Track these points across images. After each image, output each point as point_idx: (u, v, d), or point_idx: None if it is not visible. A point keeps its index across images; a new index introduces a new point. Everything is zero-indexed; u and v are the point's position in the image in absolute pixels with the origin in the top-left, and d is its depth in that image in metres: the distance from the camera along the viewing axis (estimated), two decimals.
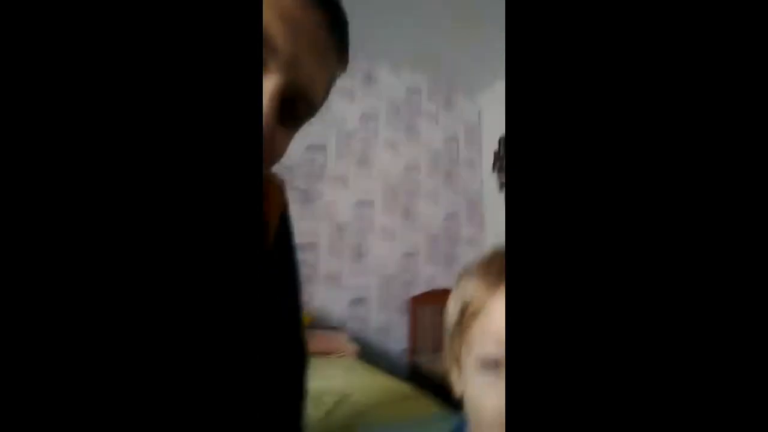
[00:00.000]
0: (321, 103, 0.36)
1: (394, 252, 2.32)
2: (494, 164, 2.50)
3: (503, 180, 2.41)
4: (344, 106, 2.32)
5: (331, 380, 1.18)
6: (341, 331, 2.00)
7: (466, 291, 0.36)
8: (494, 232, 2.46)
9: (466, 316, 0.35)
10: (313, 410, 0.87)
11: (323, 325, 1.96)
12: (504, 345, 0.32)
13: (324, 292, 2.11)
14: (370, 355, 1.95)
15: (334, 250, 2.19)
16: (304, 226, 2.04)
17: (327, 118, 2.23)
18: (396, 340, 2.23)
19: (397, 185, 2.39)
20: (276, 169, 0.62)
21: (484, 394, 0.34)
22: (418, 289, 2.26)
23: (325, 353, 1.63)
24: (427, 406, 1.00)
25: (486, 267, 0.36)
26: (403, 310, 2.27)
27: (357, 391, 1.11)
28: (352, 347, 1.81)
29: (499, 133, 2.47)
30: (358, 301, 2.20)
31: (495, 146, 2.50)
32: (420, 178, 2.45)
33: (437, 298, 2.14)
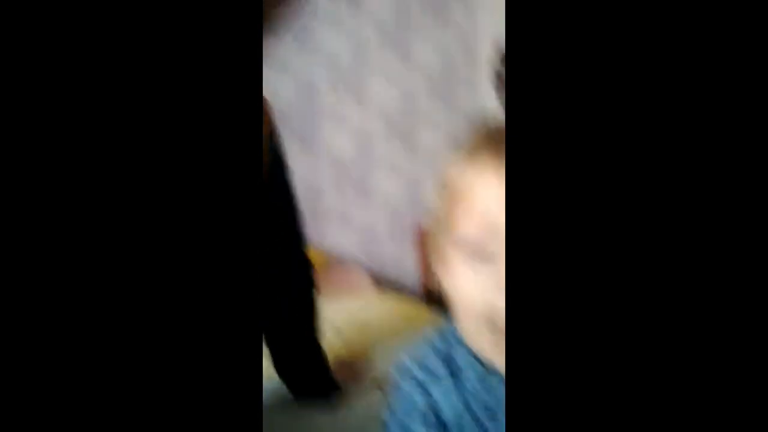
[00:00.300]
0: None
1: (400, 184, 2.30)
2: (494, 83, 2.36)
3: (504, 98, 2.29)
4: (332, 36, 2.17)
5: (348, 312, 1.24)
6: (355, 266, 2.05)
7: (450, 173, 0.34)
8: None
9: (450, 199, 0.33)
10: (331, 340, 0.91)
11: (336, 263, 2.01)
12: (489, 229, 0.30)
13: (333, 232, 2.14)
14: (385, 286, 2.02)
15: (339, 189, 2.18)
16: (305, 169, 2.01)
17: (315, 54, 2.09)
18: (409, 270, 2.29)
19: (395, 115, 2.30)
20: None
21: (467, 283, 0.32)
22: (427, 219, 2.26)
23: (341, 288, 1.69)
24: (440, 322, 1.04)
25: (473, 146, 0.34)
26: (414, 241, 2.30)
27: (374, 319, 1.16)
28: (367, 280, 1.86)
29: (496, 45, 2.30)
30: (368, 237, 2.23)
31: (494, 62, 2.35)
32: (419, 104, 2.34)
33: None
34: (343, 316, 1.15)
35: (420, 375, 0.39)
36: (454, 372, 0.37)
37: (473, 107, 2.46)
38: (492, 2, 2.38)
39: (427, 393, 0.37)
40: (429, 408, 0.37)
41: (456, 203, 0.33)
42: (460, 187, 0.32)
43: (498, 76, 2.39)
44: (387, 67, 2.29)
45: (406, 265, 2.28)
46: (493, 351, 0.34)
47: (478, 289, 0.32)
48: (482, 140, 0.33)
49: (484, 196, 0.31)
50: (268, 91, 0.55)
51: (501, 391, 0.33)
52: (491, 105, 2.41)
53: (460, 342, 0.37)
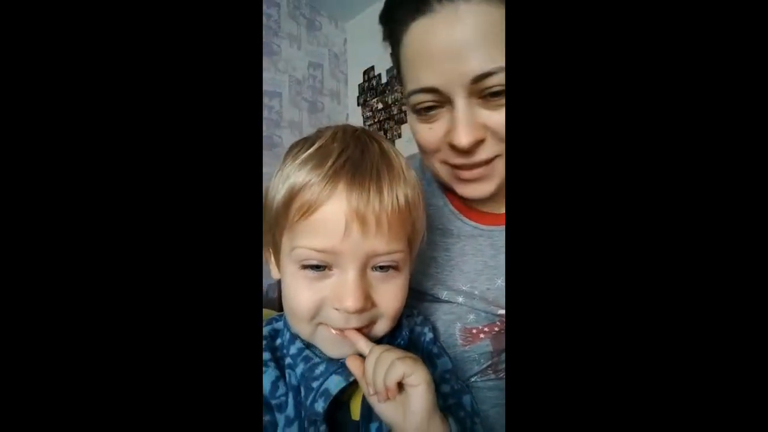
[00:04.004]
0: None
1: None
2: (359, 98, 2.48)
3: (368, 114, 2.42)
4: None
5: None
6: None
7: (297, 177, 0.32)
8: None
9: (295, 206, 0.32)
10: None
11: None
12: (331, 247, 0.31)
13: None
14: None
15: None
16: None
17: None
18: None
19: None
20: None
21: (302, 289, 0.33)
22: None
23: None
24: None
25: (322, 159, 0.33)
26: None
27: None
28: None
29: (364, 65, 2.43)
30: None
31: (360, 79, 2.47)
32: (282, 108, 2.29)
33: None
34: None
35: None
36: (280, 358, 0.36)
37: (338, 119, 2.52)
38: (360, 24, 2.51)
39: None
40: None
41: (303, 212, 0.32)
42: (309, 198, 0.31)
43: (363, 91, 2.51)
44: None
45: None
46: (331, 349, 0.35)
47: (309, 294, 0.33)
48: (334, 153, 0.33)
49: (333, 218, 0.31)
50: None
51: (324, 374, 0.34)
52: (355, 119, 2.51)
53: (293, 335, 0.37)
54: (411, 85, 0.41)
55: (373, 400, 0.31)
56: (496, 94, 0.37)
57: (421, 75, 0.39)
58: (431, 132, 0.41)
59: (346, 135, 0.35)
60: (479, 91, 0.37)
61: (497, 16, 0.36)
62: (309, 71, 2.39)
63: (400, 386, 0.30)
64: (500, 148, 0.40)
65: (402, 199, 0.33)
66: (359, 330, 0.34)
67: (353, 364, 0.33)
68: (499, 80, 0.36)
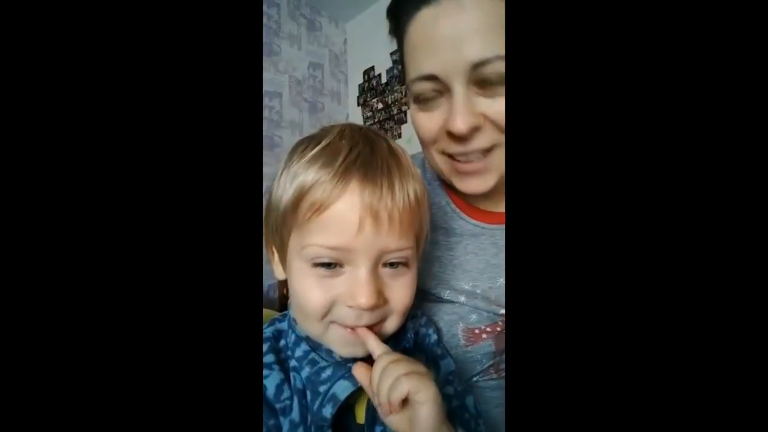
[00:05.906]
0: None
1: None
2: (359, 98, 2.48)
3: (368, 114, 2.42)
4: None
5: None
6: None
7: (307, 176, 0.32)
8: None
9: (304, 205, 0.32)
10: None
11: None
12: (343, 244, 0.31)
13: None
14: None
15: None
16: None
17: None
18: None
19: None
20: None
21: (313, 287, 0.33)
22: None
23: None
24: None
25: (331, 156, 0.32)
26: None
27: None
28: None
29: (364, 65, 2.43)
30: None
31: (360, 79, 2.47)
32: (282, 108, 2.29)
33: None
34: None
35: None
36: (284, 360, 0.36)
37: (338, 119, 2.52)
38: (360, 24, 2.50)
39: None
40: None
41: (312, 211, 0.31)
42: (319, 197, 0.31)
43: (363, 91, 2.51)
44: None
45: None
46: (343, 348, 0.34)
47: (318, 293, 0.32)
48: (342, 151, 0.32)
49: (343, 217, 0.31)
50: None
51: (330, 375, 0.33)
52: (355, 119, 2.51)
53: (298, 336, 0.37)
54: (413, 73, 0.41)
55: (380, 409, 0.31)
56: (494, 83, 0.38)
57: (422, 63, 0.40)
58: (430, 121, 0.42)
59: (354, 132, 0.35)
60: (478, 78, 0.38)
61: (499, 7, 0.37)
62: (309, 71, 2.39)
63: (406, 400, 0.29)
64: (498, 138, 0.40)
65: (412, 195, 0.33)
66: (370, 328, 0.33)
67: (360, 373, 0.32)
68: (497, 68, 0.37)
